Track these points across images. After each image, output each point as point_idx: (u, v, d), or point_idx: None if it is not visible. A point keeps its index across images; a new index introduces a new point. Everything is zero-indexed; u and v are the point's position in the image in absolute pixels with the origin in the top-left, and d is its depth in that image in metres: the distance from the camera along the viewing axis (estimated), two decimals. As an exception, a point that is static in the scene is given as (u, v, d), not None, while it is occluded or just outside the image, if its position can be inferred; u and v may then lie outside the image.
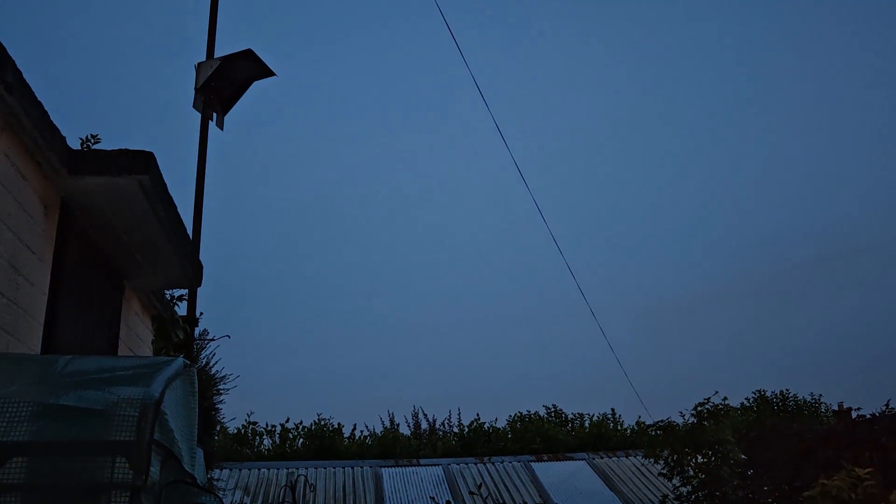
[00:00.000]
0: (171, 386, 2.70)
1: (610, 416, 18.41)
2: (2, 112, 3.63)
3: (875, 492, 8.19)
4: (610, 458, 15.96)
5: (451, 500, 13.75)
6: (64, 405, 2.41)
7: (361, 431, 17.57)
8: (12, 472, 2.40)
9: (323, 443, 16.62)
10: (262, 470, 15.11)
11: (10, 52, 3.53)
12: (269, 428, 17.07)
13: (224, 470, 14.60)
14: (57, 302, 4.37)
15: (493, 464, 15.67)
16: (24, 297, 3.95)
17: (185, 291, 7.38)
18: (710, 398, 11.94)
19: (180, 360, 2.94)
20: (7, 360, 3.11)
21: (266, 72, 7.35)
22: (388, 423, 18.34)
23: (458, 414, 18.66)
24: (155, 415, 2.38)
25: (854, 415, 11.28)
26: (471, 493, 13.54)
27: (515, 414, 18.70)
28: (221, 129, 7.48)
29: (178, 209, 5.13)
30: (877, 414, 10.83)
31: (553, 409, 19.14)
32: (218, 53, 7.42)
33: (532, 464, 15.58)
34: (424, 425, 18.58)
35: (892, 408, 10.85)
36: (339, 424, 17.24)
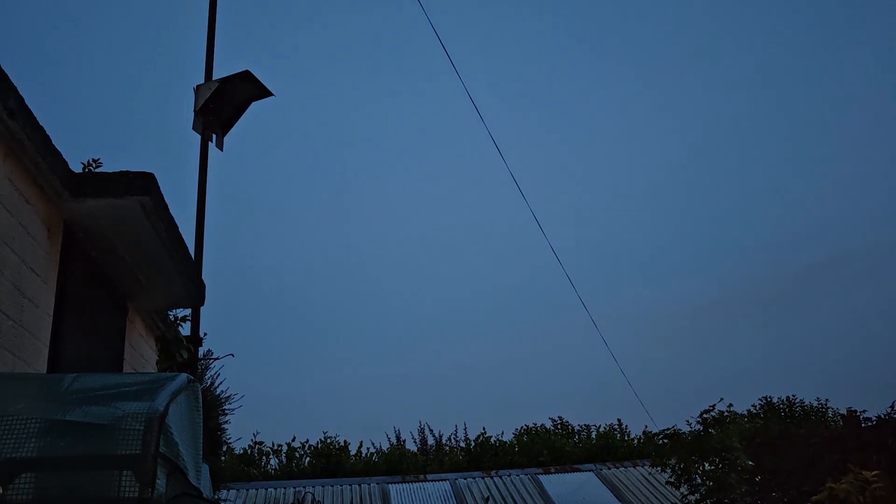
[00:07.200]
0: (176, 400, 2.75)
1: (616, 426, 18.36)
2: (5, 137, 3.71)
3: (883, 494, 8.16)
4: (617, 468, 15.90)
5: (459, 514, 13.71)
6: (70, 421, 2.46)
7: (368, 448, 17.53)
8: (21, 488, 2.43)
9: (329, 461, 16.58)
10: (270, 489, 15.07)
11: (12, 77, 3.61)
12: (276, 447, 17.04)
13: (231, 490, 14.58)
14: (61, 323, 4.42)
15: (500, 477, 15.61)
16: (28, 319, 4.01)
17: (188, 312, 7.44)
18: (714, 405, 11.92)
19: (184, 375, 2.99)
20: (13, 380, 3.16)
21: (264, 92, 7.44)
22: (394, 440, 18.30)
23: (465, 428, 18.63)
24: (160, 428, 2.42)
25: (861, 418, 11.25)
26: (479, 507, 13.51)
27: (522, 427, 18.66)
28: (221, 149, 7.57)
29: (180, 229, 5.19)
30: (883, 416, 10.81)
31: (559, 421, 19.10)
32: (218, 68, 7.52)
33: (539, 476, 15.52)
34: (431, 441, 18.54)
35: (899, 410, 10.82)
36: (345, 442, 17.20)
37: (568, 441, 17.76)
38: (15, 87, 3.63)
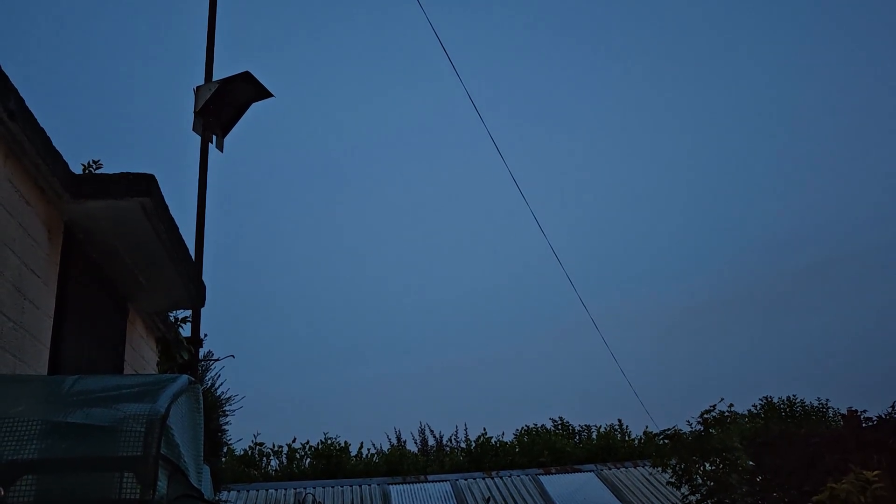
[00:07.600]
0: (177, 402, 2.74)
1: (617, 426, 18.35)
2: (5, 139, 3.71)
3: (884, 494, 8.16)
4: (618, 468, 15.90)
5: (459, 515, 13.70)
6: (71, 422, 2.45)
7: (368, 449, 17.53)
8: (23, 490, 2.43)
9: (330, 462, 16.57)
10: (270, 490, 15.07)
11: (12, 79, 3.61)
12: (276, 448, 17.04)
13: (232, 492, 14.58)
14: (62, 325, 4.42)
15: (500, 478, 15.61)
16: (29, 321, 4.01)
17: (189, 313, 7.44)
18: (715, 405, 11.92)
19: (185, 377, 2.99)
20: (14, 381, 3.16)
21: (264, 93, 7.42)
22: (394, 441, 18.30)
23: (465, 429, 18.63)
24: (161, 429, 2.42)
25: (861, 418, 11.26)
26: (479, 507, 13.50)
27: (522, 427, 18.66)
28: (221, 150, 7.56)
29: (181, 230, 5.19)
30: (883, 416, 10.82)
31: (560, 422, 19.10)
32: (218, 69, 7.51)
33: (540, 477, 15.52)
34: (431, 441, 18.54)
35: (899, 409, 10.82)
36: (345, 443, 17.20)
37: (568, 441, 17.76)
38: (15, 89, 3.63)
